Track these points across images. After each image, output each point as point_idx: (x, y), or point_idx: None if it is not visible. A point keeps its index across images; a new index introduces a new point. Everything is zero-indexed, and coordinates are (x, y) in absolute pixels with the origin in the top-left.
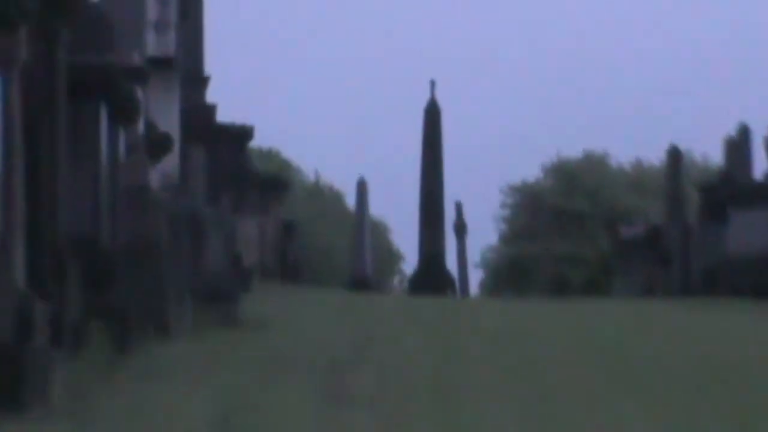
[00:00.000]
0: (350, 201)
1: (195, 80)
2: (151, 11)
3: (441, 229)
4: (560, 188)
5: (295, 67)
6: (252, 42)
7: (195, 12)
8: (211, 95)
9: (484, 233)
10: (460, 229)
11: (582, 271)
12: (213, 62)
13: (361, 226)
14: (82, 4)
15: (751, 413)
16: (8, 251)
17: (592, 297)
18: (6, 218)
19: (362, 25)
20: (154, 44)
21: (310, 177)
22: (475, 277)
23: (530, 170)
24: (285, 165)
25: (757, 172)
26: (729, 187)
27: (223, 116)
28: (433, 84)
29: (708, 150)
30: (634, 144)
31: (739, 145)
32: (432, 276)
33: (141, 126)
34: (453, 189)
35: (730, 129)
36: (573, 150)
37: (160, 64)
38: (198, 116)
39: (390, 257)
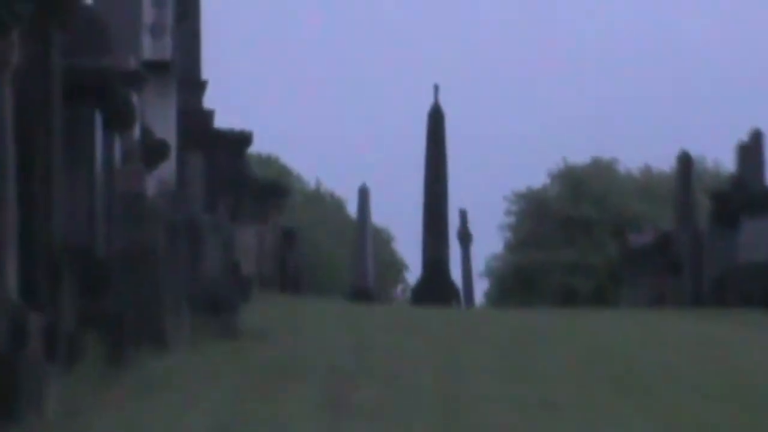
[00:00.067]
0: (351, 208)
1: (192, 85)
2: (147, 14)
3: (445, 237)
4: (567, 195)
5: (295, 72)
6: (250, 45)
7: (192, 15)
8: (209, 100)
9: (489, 241)
10: (465, 237)
11: (589, 280)
12: (210, 66)
13: (362, 234)
14: (76, 7)
15: (765, 427)
16: (1, 259)
17: (600, 307)
18: None
19: (364, 28)
20: (150, 48)
21: (311, 183)
22: (480, 287)
23: (536, 177)
24: (284, 171)
25: None
26: (741, 194)
27: (220, 122)
28: (436, 88)
29: (719, 156)
30: (643, 149)
31: (751, 151)
32: (435, 285)
33: (137, 131)
34: (457, 196)
35: (742, 134)
36: (580, 156)
37: (157, 68)
38: (195, 121)
39: (392, 266)
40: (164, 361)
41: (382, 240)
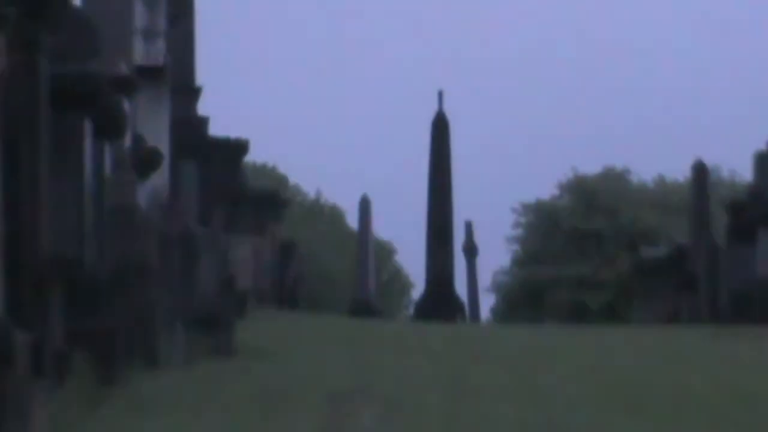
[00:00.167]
0: (352, 220)
1: (186, 91)
2: (139, 17)
3: (450, 250)
4: (577, 207)
5: (293, 78)
6: (247, 50)
7: (186, 18)
8: (204, 107)
9: (496, 255)
10: (471, 250)
11: (600, 295)
12: (205, 72)
13: (364, 247)
14: (65, 10)
15: None
16: None
17: (611, 324)
18: None
19: (364, 32)
20: (142, 53)
21: (310, 194)
22: (486, 302)
23: (545, 187)
24: (282, 181)
25: None
26: (759, 206)
27: (216, 129)
28: (440, 95)
29: (736, 165)
30: (656, 159)
31: None
32: (440, 301)
33: (128, 140)
34: (462, 207)
35: (760, 142)
36: (591, 166)
37: (149, 73)
38: (189, 129)
39: (395, 280)
40: (156, 380)
41: (385, 253)
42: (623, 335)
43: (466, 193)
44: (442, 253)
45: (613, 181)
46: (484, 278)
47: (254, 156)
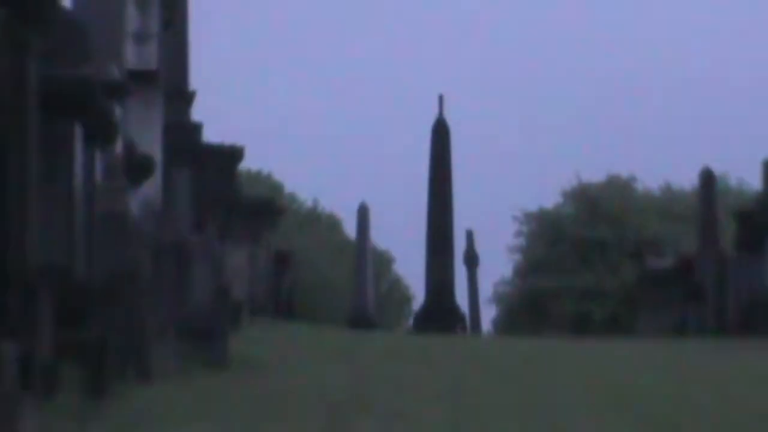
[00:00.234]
0: (350, 228)
1: (179, 96)
2: (131, 20)
3: (450, 260)
4: (581, 215)
5: (289, 82)
6: (241, 54)
7: (179, 21)
8: (197, 112)
9: (498, 264)
10: (471, 260)
11: (605, 306)
12: (199, 76)
13: (362, 257)
14: (55, 13)
15: None
16: None
17: (616, 336)
18: None
19: (363, 36)
20: (134, 56)
21: (306, 202)
22: (488, 313)
23: (548, 195)
24: (277, 189)
25: None
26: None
27: (210, 135)
28: (441, 100)
29: (744, 173)
30: (662, 166)
31: None
32: (440, 312)
33: (119, 146)
34: (463, 216)
35: None
36: (595, 173)
37: (141, 78)
38: (182, 135)
39: (394, 291)
40: (148, 393)
41: (383, 263)
42: (628, 348)
43: (466, 201)
44: (442, 263)
45: (618, 188)
46: (485, 289)
47: (249, 163)
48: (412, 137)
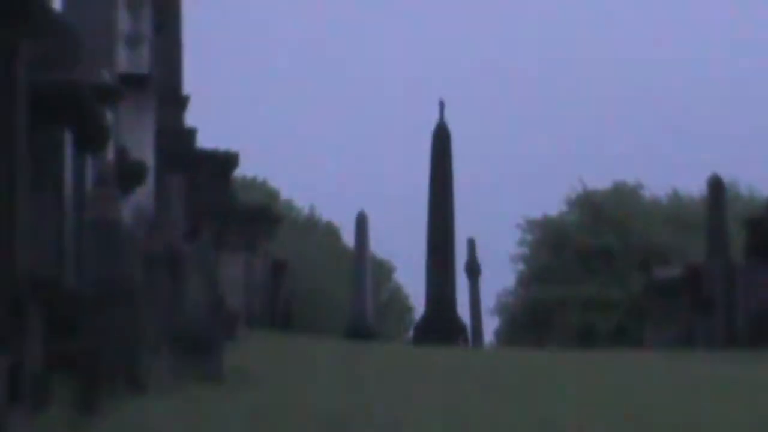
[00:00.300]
0: (349, 237)
1: (172, 100)
2: (123, 23)
3: (451, 269)
4: (586, 223)
5: (285, 87)
6: (236, 57)
7: (172, 24)
8: (191, 117)
9: (500, 274)
10: (473, 269)
11: (611, 317)
12: (192, 80)
13: (361, 266)
14: (45, 15)
15: None
16: None
17: (622, 347)
18: None
19: (361, 38)
20: (126, 60)
21: (303, 209)
22: (490, 325)
23: (552, 203)
24: (273, 196)
25: None
26: None
27: (204, 141)
28: (442, 105)
29: (754, 180)
30: (670, 173)
31: None
32: (441, 323)
33: (111, 152)
34: (465, 224)
35: None
36: (601, 180)
37: (133, 82)
38: (176, 141)
39: (394, 301)
40: (140, 407)
41: (383, 272)
42: (635, 360)
43: (468, 209)
44: (443, 273)
45: (624, 196)
46: (488, 299)
47: (244, 169)
48: (411, 143)
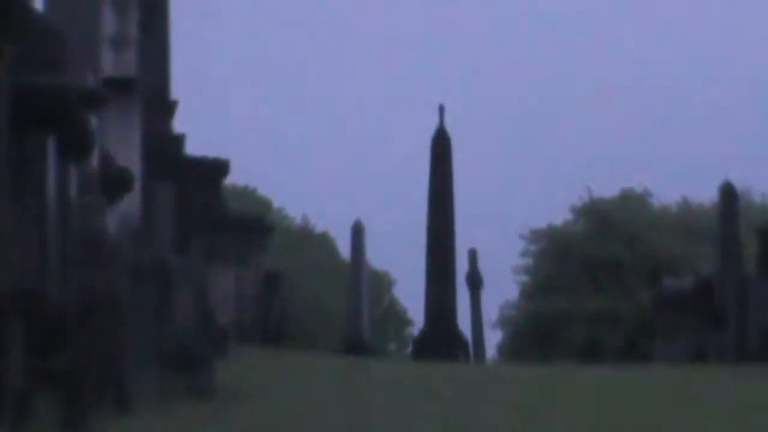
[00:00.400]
0: (344, 247)
1: (160, 105)
2: (108, 25)
3: (452, 281)
4: (593, 233)
5: (277, 90)
6: (226, 61)
7: (159, 26)
8: (179, 123)
9: (503, 286)
10: (474, 281)
11: (618, 331)
12: (181, 84)
13: (357, 278)
14: (26, 16)
15: None
16: None
17: (631, 362)
18: None
19: (357, 41)
20: (111, 63)
21: (296, 219)
22: (492, 339)
23: (557, 212)
24: (266, 205)
25: None
26: None
27: (193, 148)
28: (441, 109)
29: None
30: (680, 181)
31: None
32: (441, 337)
33: (96, 160)
34: (466, 234)
35: None
36: (608, 188)
37: (119, 86)
38: (163, 148)
39: (392, 315)
40: (127, 424)
41: (380, 285)
42: (643, 376)
43: (469, 218)
44: (443, 285)
45: (632, 204)
46: (490, 312)
47: (235, 177)
48: (410, 149)
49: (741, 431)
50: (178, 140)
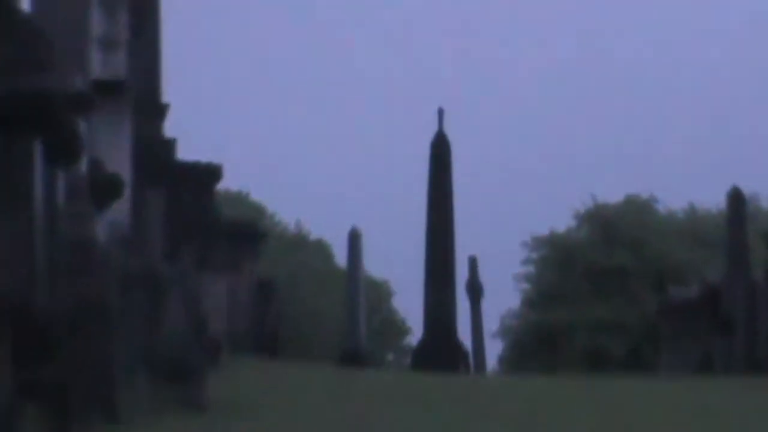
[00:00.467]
0: (341, 255)
1: (150, 109)
2: (97, 25)
3: (451, 289)
4: (597, 240)
5: (271, 94)
6: (219, 63)
7: (150, 26)
8: (171, 127)
9: (504, 295)
10: (475, 289)
11: (623, 341)
12: (172, 87)
13: (353, 287)
14: (12, 17)
15: None
16: None
17: (636, 373)
18: None
19: (353, 41)
20: (100, 65)
21: (290, 226)
22: (493, 349)
23: (560, 218)
24: (258, 211)
25: None
26: None
27: (185, 153)
28: (441, 113)
29: None
30: (686, 186)
31: None
32: (440, 347)
33: (84, 165)
34: (466, 241)
35: None
36: (612, 193)
37: (108, 89)
38: (154, 152)
39: (389, 324)
40: None
41: (378, 293)
42: (649, 387)
43: (469, 225)
44: (443, 293)
45: (637, 210)
46: (491, 322)
47: (228, 183)
48: (408, 154)
49: None
50: (170, 144)
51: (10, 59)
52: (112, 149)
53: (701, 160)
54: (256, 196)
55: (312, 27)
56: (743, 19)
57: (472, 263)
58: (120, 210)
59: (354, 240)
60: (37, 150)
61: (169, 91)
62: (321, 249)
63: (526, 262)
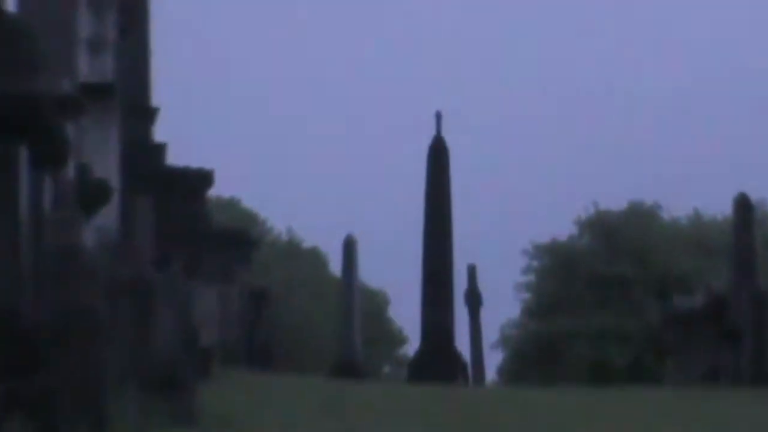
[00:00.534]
0: (335, 263)
1: (140, 112)
2: (85, 27)
3: (449, 299)
4: (599, 248)
5: (263, 97)
6: (210, 66)
7: (139, 28)
8: (160, 132)
9: (504, 304)
10: (474, 299)
11: (627, 351)
12: (162, 91)
13: (349, 296)
14: None
15: None
16: None
17: (639, 384)
18: None
19: (349, 44)
20: (87, 67)
21: (282, 233)
22: (493, 360)
23: (561, 226)
24: (250, 218)
25: None
26: None
27: (174, 158)
28: (438, 116)
29: None
30: (691, 193)
31: None
32: (438, 358)
33: (72, 170)
34: (464, 249)
35: None
36: (615, 200)
37: (96, 91)
38: (143, 158)
39: (385, 335)
40: None
41: (373, 303)
42: (653, 398)
43: (468, 232)
44: (441, 303)
45: (641, 218)
46: (490, 332)
47: (219, 189)
48: (405, 158)
49: None
50: (159, 149)
51: None
52: (100, 154)
53: (706, 166)
54: (248, 203)
55: (306, 31)
56: (747, 25)
57: (471, 271)
58: (108, 216)
59: (349, 247)
60: (24, 154)
61: (159, 95)
62: (315, 257)
63: (526, 270)
